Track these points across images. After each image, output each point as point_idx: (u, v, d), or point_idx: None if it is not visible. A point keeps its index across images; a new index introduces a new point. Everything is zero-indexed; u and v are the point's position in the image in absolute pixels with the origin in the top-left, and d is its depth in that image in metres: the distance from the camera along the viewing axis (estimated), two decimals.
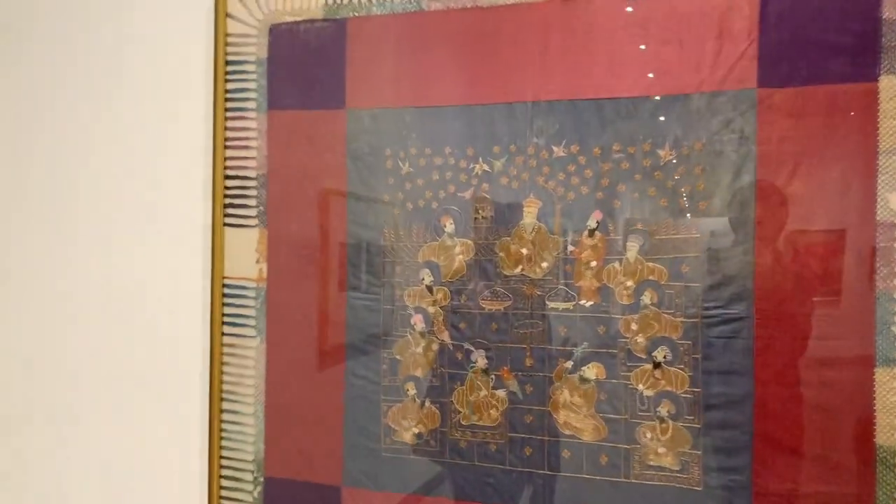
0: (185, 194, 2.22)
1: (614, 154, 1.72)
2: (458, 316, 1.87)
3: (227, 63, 2.19)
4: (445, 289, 1.89)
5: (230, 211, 2.14)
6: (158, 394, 2.36)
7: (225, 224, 2.13)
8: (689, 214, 1.68)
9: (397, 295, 1.94)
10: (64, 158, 2.14)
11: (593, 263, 1.76)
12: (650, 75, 1.70)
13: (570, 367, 1.77)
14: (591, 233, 1.74)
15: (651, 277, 1.72)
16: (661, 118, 1.70)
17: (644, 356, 1.71)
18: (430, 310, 1.90)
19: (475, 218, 1.84)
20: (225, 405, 2.32)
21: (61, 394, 2.14)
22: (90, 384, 2.43)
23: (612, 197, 1.74)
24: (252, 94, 2.11)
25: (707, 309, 1.65)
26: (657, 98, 1.70)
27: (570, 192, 1.76)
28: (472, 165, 1.84)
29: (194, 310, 2.26)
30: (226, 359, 2.28)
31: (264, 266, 2.09)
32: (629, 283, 1.74)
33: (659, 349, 1.71)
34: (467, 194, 1.86)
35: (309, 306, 2.04)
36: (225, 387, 2.30)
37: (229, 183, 2.15)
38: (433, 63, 1.88)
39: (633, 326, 1.73)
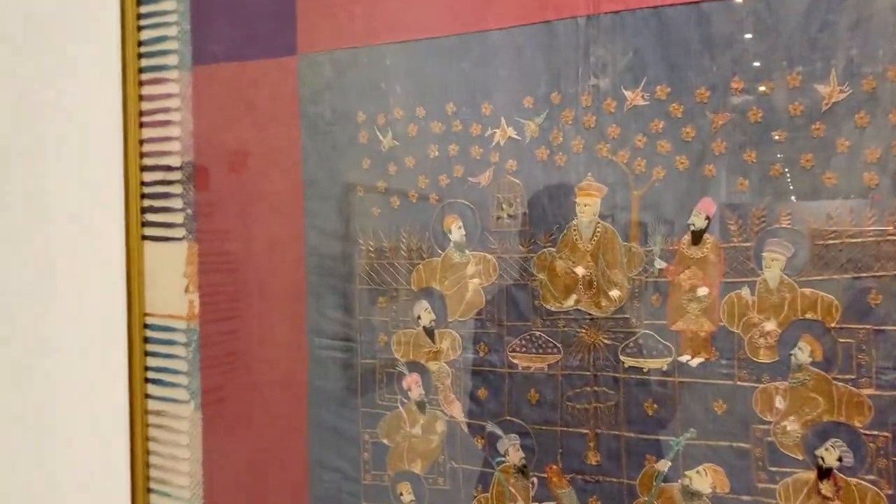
0: (89, 196, 1.82)
1: (734, 96, 1.20)
2: (475, 378, 1.41)
3: (139, 2, 1.79)
4: (454, 333, 1.43)
5: (149, 218, 1.80)
6: (67, 484, 1.84)
7: (143, 237, 1.80)
8: (879, 198, 1.12)
9: (381, 341, 1.50)
10: None
11: (702, 291, 1.24)
12: None
13: (666, 469, 1.26)
14: (697, 237, 1.23)
15: (810, 315, 1.18)
16: (818, 27, 1.15)
17: (800, 457, 1.18)
18: (432, 367, 1.45)
19: (497, 217, 1.38)
20: (153, 500, 1.80)
21: None
22: None
23: (734, 172, 1.21)
24: (172, 45, 1.77)
25: None
26: None
27: (658, 168, 1.26)
28: (490, 131, 1.38)
29: (107, 361, 1.79)
30: (152, 432, 1.81)
31: (196, 297, 1.73)
32: (769, 326, 1.20)
33: (828, 444, 1.16)
34: (483, 178, 1.39)
35: (256, 356, 1.65)
36: (153, 472, 1.82)
37: (147, 177, 1.80)
38: None
39: (779, 403, 1.19)
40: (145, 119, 1.77)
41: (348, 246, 1.53)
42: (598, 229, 1.31)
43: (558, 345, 1.34)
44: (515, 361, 1.37)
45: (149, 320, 1.77)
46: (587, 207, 1.31)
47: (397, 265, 1.49)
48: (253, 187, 1.64)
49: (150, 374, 1.78)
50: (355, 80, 1.51)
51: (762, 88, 1.19)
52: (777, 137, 1.19)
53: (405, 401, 1.48)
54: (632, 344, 1.29)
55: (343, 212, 1.53)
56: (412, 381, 1.46)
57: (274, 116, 1.60)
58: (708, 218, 1.23)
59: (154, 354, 1.77)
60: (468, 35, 1.39)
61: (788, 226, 1.18)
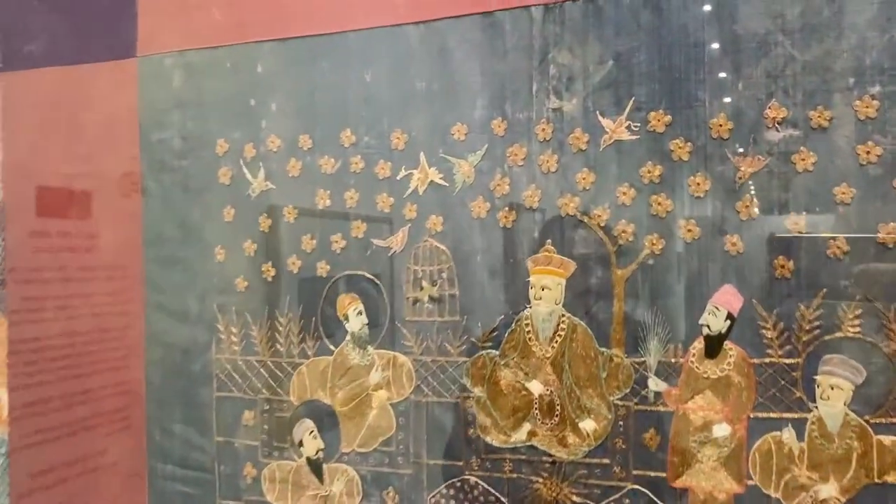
0: None
1: (771, 130, 0.89)
2: None
3: None
4: (350, 471, 1.11)
5: None
6: None
7: None
8: None
9: (247, 475, 1.17)
10: None
11: (721, 430, 0.92)
12: None
13: None
14: (714, 345, 0.92)
15: (893, 479, 0.84)
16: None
17: None
18: None
19: (415, 300, 1.07)
20: None
21: None
22: None
23: (771, 248, 0.90)
24: None
25: None
26: None
27: (653, 236, 0.95)
28: (405, 172, 1.09)
29: None
30: None
31: (4, 395, 1.38)
32: (827, 491, 0.87)
33: None
34: (395, 241, 1.08)
35: (83, 482, 1.31)
36: None
37: None
38: None
39: None
40: None
41: (202, 333, 1.23)
42: (563, 326, 1.00)
43: (503, 499, 1.03)
44: None
45: None
46: (546, 292, 1.00)
47: (270, 365, 1.18)
48: (79, 244, 1.32)
49: None
50: (215, 94, 1.22)
51: (816, 118, 0.88)
52: (840, 196, 0.87)
53: None
54: None
55: (196, 284, 1.23)
56: None
57: (107, 143, 1.29)
58: (731, 317, 0.93)
59: None
60: (372, 32, 1.09)
61: (857, 335, 0.87)
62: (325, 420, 1.14)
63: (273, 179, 1.16)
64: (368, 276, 1.10)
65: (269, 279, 1.16)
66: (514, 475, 1.03)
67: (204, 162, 1.23)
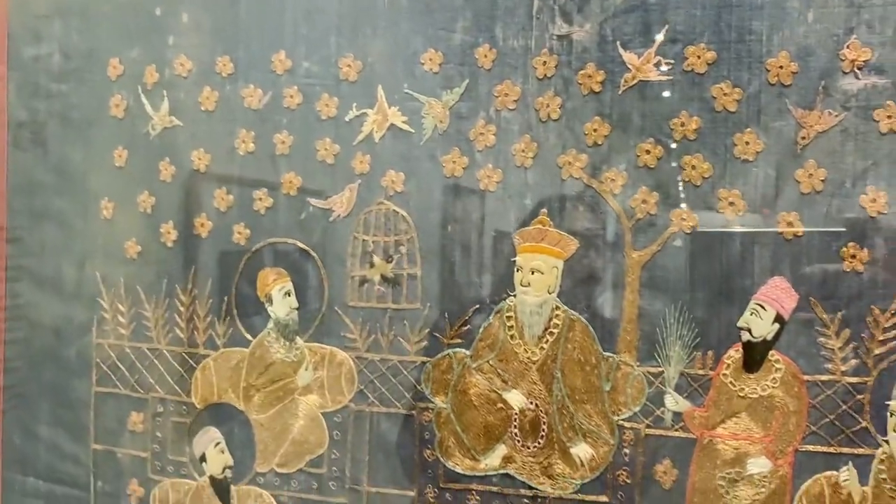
0: None
1: (847, 76, 0.76)
2: None
3: None
4: (267, 496, 0.96)
5: None
6: None
7: None
8: None
9: (133, 494, 1.01)
10: None
11: (757, 464, 0.78)
12: None
13: None
14: (755, 355, 0.78)
15: None
16: None
17: None
18: None
19: (362, 280, 0.92)
20: None
21: None
22: None
23: (839, 230, 0.76)
24: None
25: None
26: None
27: (680, 210, 0.79)
28: (356, 112, 0.93)
29: None
30: None
31: None
32: None
33: None
34: (339, 203, 0.92)
35: None
36: None
37: None
38: None
39: None
40: None
41: (80, 310, 1.04)
42: (557, 322, 0.83)
43: None
44: None
45: None
46: (537, 277, 0.83)
47: (167, 355, 0.99)
48: None
49: None
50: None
51: None
52: None
53: None
54: None
55: (74, 245, 1.04)
56: None
57: None
58: (780, 319, 0.75)
59: None
60: None
61: None
62: (237, 430, 0.96)
63: (180, 114, 0.98)
64: (301, 246, 0.94)
65: (170, 244, 0.99)
66: None
67: (91, 88, 1.03)
